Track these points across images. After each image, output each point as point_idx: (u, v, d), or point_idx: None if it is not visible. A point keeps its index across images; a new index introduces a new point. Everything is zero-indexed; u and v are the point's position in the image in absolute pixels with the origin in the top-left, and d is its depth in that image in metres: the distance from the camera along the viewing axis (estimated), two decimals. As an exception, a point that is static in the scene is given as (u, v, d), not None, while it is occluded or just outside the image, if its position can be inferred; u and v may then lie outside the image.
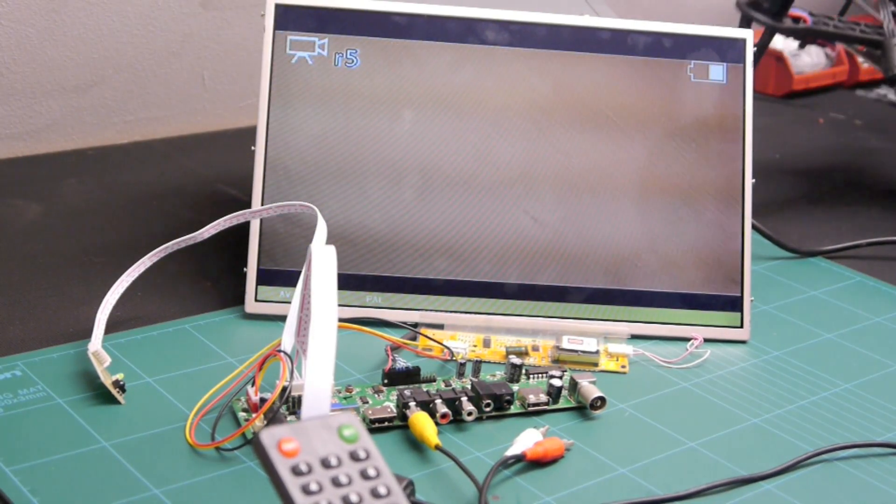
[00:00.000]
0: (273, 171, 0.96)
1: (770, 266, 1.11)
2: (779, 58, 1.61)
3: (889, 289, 1.08)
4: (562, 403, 0.85)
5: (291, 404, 0.79)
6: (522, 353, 0.91)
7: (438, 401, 0.81)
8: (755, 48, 1.02)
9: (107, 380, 0.82)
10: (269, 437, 0.61)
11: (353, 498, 0.61)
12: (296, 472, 0.60)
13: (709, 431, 0.84)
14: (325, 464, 0.61)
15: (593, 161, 0.98)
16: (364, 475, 0.62)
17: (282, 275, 0.95)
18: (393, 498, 0.61)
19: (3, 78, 1.23)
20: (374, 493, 0.61)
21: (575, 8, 1.09)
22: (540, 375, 0.87)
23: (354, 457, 0.62)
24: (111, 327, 0.89)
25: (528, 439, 0.79)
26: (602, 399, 0.84)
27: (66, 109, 1.28)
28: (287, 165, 0.96)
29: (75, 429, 0.79)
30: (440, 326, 0.93)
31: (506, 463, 0.77)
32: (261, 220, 0.95)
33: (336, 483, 0.61)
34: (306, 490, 0.60)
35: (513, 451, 0.78)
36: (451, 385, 0.86)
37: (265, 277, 0.95)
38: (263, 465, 0.61)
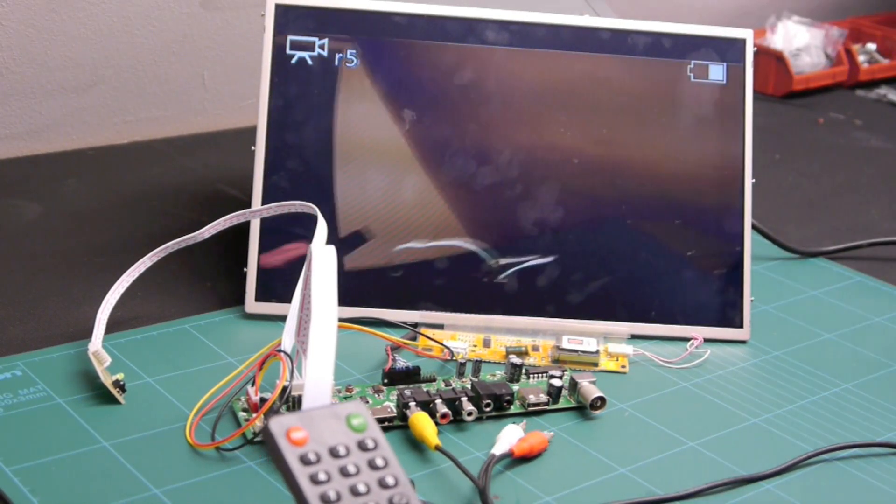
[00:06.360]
0: (273, 171, 0.96)
1: (770, 266, 1.11)
2: (779, 58, 1.61)
3: (889, 289, 1.08)
4: (562, 403, 0.85)
5: (291, 404, 0.79)
6: (522, 353, 0.91)
7: (438, 401, 0.81)
8: None
9: (107, 380, 0.82)
10: (279, 425, 0.61)
11: (361, 488, 0.61)
12: (304, 461, 0.61)
13: (709, 431, 0.84)
14: (334, 453, 0.61)
15: (592, 161, 0.98)
16: (372, 465, 0.62)
17: (282, 275, 0.95)
18: (400, 488, 0.62)
19: (3, 78, 1.23)
20: (382, 484, 0.62)
21: (575, 8, 1.09)
22: (540, 375, 0.87)
23: (363, 446, 0.62)
24: (111, 327, 0.89)
25: (511, 436, 0.79)
26: (602, 399, 0.84)
27: (66, 109, 1.28)
28: (287, 165, 0.96)
29: (75, 429, 0.79)
30: (440, 326, 0.93)
31: (494, 461, 0.77)
32: (261, 220, 0.95)
33: (344, 473, 0.61)
34: (315, 479, 0.60)
35: (499, 449, 0.78)
36: (451, 385, 0.86)
37: (265, 277, 0.95)
38: (272, 453, 0.61)
